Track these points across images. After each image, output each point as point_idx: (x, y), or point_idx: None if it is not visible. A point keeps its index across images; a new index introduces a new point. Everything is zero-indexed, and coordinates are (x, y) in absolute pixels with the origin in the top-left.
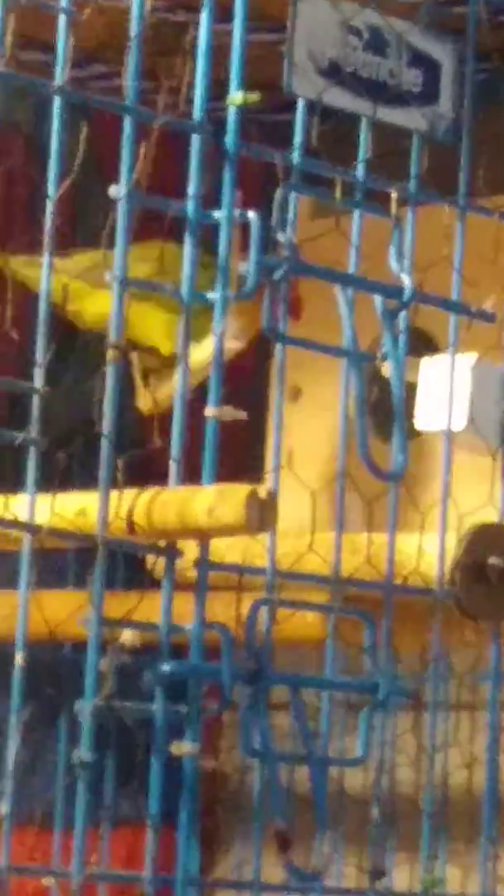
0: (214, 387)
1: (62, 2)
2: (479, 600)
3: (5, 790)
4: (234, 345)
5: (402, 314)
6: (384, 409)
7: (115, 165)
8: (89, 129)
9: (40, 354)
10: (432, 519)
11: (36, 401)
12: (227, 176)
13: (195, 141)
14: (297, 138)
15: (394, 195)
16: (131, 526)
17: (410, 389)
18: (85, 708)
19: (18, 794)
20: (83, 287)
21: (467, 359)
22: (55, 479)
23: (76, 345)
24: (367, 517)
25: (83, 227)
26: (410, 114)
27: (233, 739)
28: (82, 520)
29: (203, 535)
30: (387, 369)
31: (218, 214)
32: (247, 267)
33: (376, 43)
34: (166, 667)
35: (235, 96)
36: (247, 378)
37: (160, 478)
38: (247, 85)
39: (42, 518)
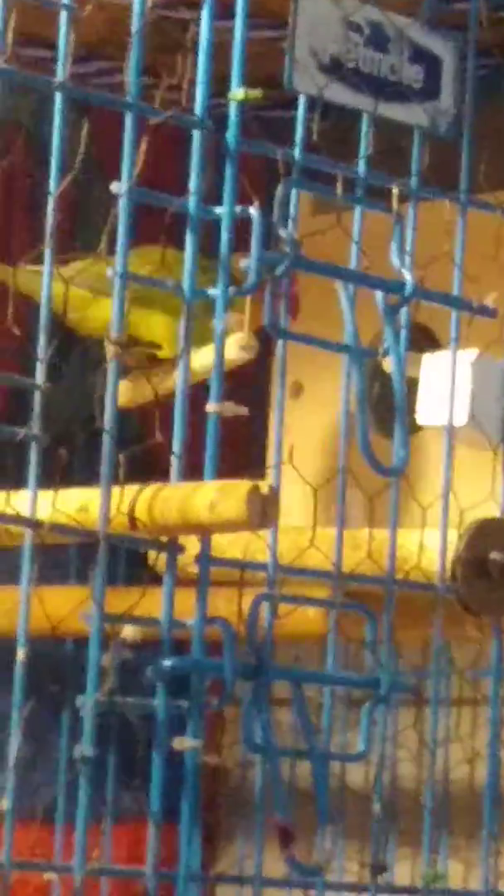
0: (216, 382)
1: None
2: (480, 595)
3: (7, 786)
4: (242, 355)
5: (404, 310)
6: (385, 405)
7: (117, 162)
8: (90, 126)
9: (42, 350)
10: (433, 514)
11: (37, 397)
12: (229, 172)
13: (196, 137)
14: (299, 134)
15: (395, 191)
16: (133, 522)
17: (411, 385)
18: (87, 703)
19: (20, 789)
20: (84, 295)
21: (468, 354)
22: (56, 474)
23: (77, 341)
24: (368, 512)
25: (84, 224)
26: (411, 109)
27: (234, 735)
28: (84, 515)
29: (204, 531)
30: (388, 365)
31: (219, 210)
32: (248, 263)
33: (377, 39)
34: (168, 662)
35: (237, 92)
36: (248, 374)
37: (162, 473)
38: (248, 81)
39: (44, 514)
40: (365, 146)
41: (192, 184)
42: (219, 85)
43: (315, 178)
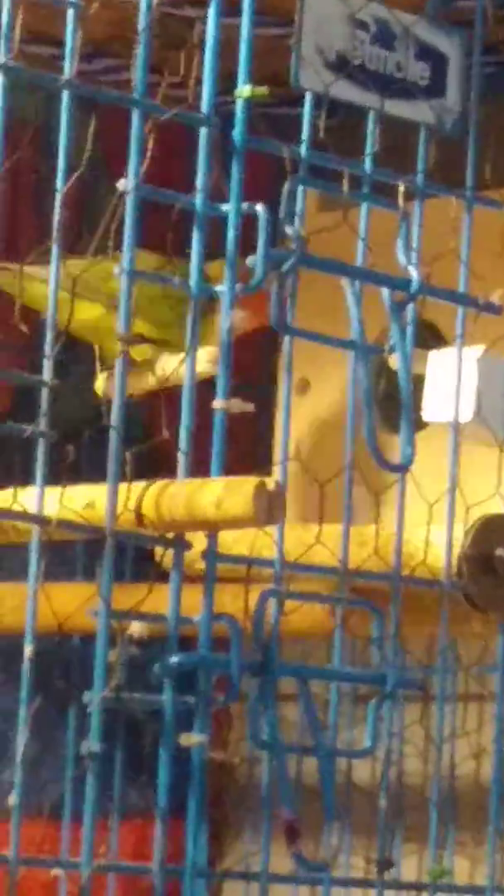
0: (222, 379)
1: None
2: (486, 591)
3: (14, 781)
4: (210, 368)
5: (410, 307)
6: (391, 402)
7: (123, 159)
8: (97, 123)
9: (48, 347)
10: (439, 510)
11: (44, 393)
12: (235, 169)
13: (203, 134)
14: (305, 131)
15: (401, 188)
16: (140, 518)
17: (417, 382)
18: (94, 699)
19: (27, 785)
20: (65, 297)
21: (474, 351)
22: (63, 471)
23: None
24: (374, 509)
25: (90, 221)
26: (417, 107)
27: (241, 731)
28: (91, 512)
29: (211, 527)
30: (394, 362)
31: (226, 208)
32: (254, 260)
33: (383, 36)
34: (175, 658)
35: (243, 90)
36: (255, 371)
37: (168, 470)
38: (254, 78)
39: (51, 510)
40: (371, 143)
41: (199, 181)
42: (225, 82)
43: (321, 176)
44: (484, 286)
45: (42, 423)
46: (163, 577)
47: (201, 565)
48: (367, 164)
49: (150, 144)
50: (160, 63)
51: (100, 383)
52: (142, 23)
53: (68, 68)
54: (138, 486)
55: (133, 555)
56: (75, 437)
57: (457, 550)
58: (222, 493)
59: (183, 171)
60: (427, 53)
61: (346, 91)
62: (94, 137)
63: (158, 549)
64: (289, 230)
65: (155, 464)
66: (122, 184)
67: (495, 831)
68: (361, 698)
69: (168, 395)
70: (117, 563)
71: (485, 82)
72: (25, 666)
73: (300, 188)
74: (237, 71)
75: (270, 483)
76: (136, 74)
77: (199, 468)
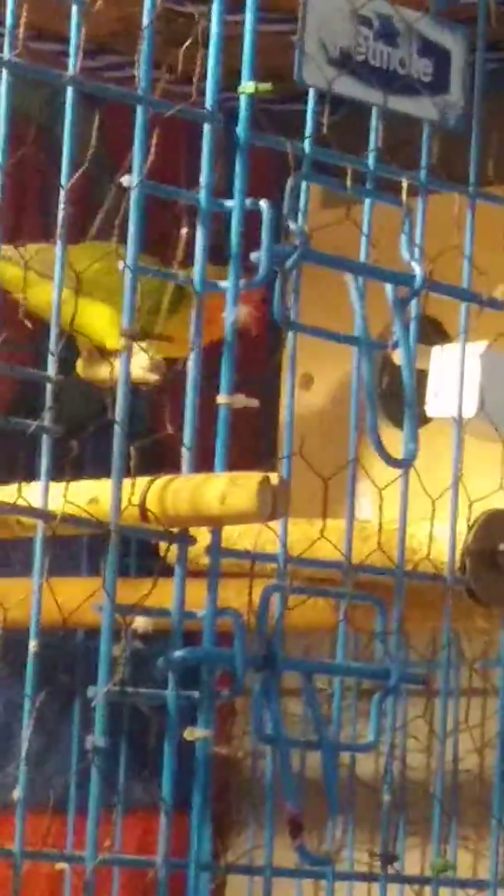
0: (226, 374)
1: None
2: (489, 586)
3: (19, 776)
4: (148, 376)
5: (413, 302)
6: (395, 397)
7: (127, 155)
8: (101, 120)
9: (53, 343)
10: (443, 506)
11: (48, 389)
12: (239, 165)
13: (207, 130)
14: (308, 128)
15: (404, 184)
16: (144, 513)
17: (421, 377)
18: (98, 694)
19: (32, 779)
20: (31, 276)
21: (477, 347)
22: (68, 466)
23: None
24: (378, 504)
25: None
26: (421, 103)
27: (245, 725)
28: (95, 507)
29: (215, 522)
30: (397, 357)
31: (230, 204)
32: (258, 255)
33: (387, 32)
34: (179, 653)
35: (247, 86)
36: (259, 366)
37: (172, 465)
38: (258, 75)
39: (55, 505)
40: (374, 139)
41: (203, 177)
42: (229, 78)
43: (325, 172)
44: (487, 282)
45: (47, 419)
46: (167, 571)
47: (205, 560)
48: (371, 161)
49: (154, 141)
50: (164, 60)
51: (80, 364)
52: (145, 19)
53: (72, 65)
54: (142, 481)
55: (137, 550)
56: (79, 433)
57: (460, 545)
58: (226, 488)
59: (187, 167)
60: (430, 50)
61: (349, 87)
62: (98, 134)
63: (163, 544)
64: (292, 226)
65: (159, 459)
66: (126, 180)
67: (498, 825)
68: (365, 693)
69: (172, 390)
70: (121, 558)
71: (488, 78)
72: (30, 660)
73: (304, 184)
74: (241, 67)
75: (274, 478)
76: (140, 71)
77: (203, 463)
